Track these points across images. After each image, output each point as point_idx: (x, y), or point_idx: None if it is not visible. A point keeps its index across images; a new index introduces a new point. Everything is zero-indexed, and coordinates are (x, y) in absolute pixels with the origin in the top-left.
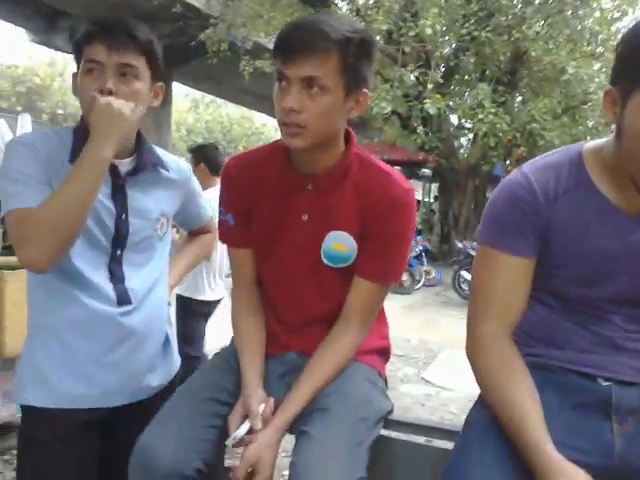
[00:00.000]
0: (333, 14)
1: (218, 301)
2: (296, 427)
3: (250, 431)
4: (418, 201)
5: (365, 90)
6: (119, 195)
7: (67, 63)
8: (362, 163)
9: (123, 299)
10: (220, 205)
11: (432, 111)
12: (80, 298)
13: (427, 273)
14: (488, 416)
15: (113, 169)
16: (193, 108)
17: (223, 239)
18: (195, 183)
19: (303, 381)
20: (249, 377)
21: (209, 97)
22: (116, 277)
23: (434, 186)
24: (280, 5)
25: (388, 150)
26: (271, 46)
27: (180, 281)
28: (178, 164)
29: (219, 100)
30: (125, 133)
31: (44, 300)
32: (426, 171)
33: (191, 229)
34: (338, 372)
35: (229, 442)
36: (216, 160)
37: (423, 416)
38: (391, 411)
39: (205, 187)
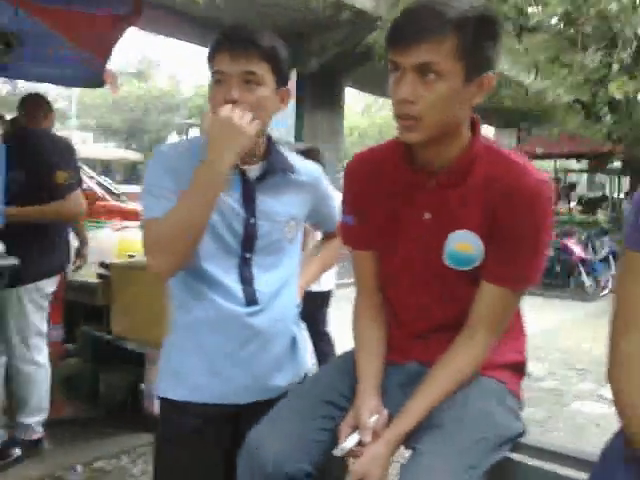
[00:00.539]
0: None
1: (328, 292)
2: (409, 442)
3: (360, 443)
4: (605, 197)
5: (490, 73)
6: (248, 199)
7: None
8: (489, 154)
9: (251, 300)
10: (342, 205)
11: (618, 95)
12: (211, 298)
13: (615, 278)
14: (624, 447)
15: (243, 174)
16: (366, 111)
17: (344, 240)
18: (326, 185)
19: (420, 393)
20: (363, 385)
21: (382, 99)
22: (245, 279)
23: (625, 180)
24: None
25: (568, 142)
26: None
27: (311, 284)
28: (307, 167)
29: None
30: (244, 147)
31: (181, 299)
32: (615, 164)
33: (325, 231)
34: (459, 386)
35: (336, 452)
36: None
37: (595, 438)
38: (523, 433)
39: None
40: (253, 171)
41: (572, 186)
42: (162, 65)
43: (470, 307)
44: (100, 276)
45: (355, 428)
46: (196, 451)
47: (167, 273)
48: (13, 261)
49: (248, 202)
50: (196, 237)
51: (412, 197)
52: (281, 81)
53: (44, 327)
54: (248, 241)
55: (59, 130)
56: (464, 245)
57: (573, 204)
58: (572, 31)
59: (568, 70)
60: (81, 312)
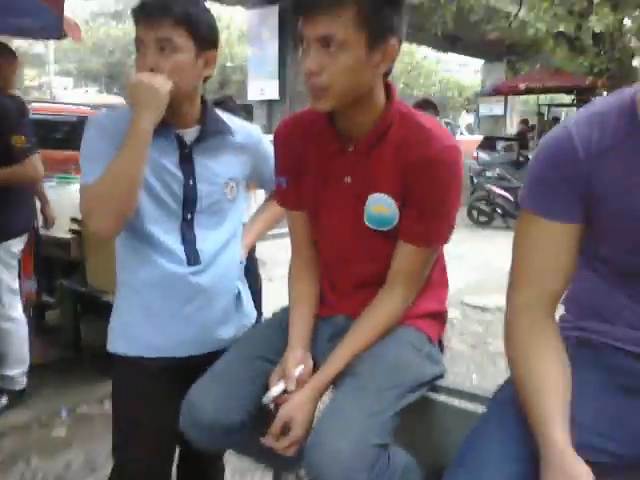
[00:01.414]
0: None
1: None
2: (332, 388)
3: (286, 391)
4: None
5: (393, 41)
6: (186, 162)
7: (232, 16)
8: (403, 119)
9: (194, 260)
10: (275, 167)
11: (598, 29)
12: (154, 258)
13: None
14: (512, 391)
15: (179, 139)
16: None
17: (278, 201)
18: (267, 146)
19: (343, 344)
20: (291, 338)
21: None
22: (187, 240)
23: None
24: None
25: (550, 77)
26: None
27: (255, 242)
28: (245, 128)
29: None
30: (161, 104)
31: (125, 259)
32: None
33: (270, 191)
34: (380, 336)
35: (264, 401)
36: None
37: None
38: (440, 376)
39: None
40: (189, 134)
41: (556, 120)
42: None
43: (390, 265)
44: (73, 231)
45: (283, 378)
46: (148, 403)
47: (108, 232)
48: None
49: (186, 165)
50: (130, 193)
51: (335, 161)
52: (203, 45)
53: (15, 284)
54: (188, 203)
55: (37, 78)
56: (380, 207)
57: None
58: None
59: (550, 1)
60: (58, 266)
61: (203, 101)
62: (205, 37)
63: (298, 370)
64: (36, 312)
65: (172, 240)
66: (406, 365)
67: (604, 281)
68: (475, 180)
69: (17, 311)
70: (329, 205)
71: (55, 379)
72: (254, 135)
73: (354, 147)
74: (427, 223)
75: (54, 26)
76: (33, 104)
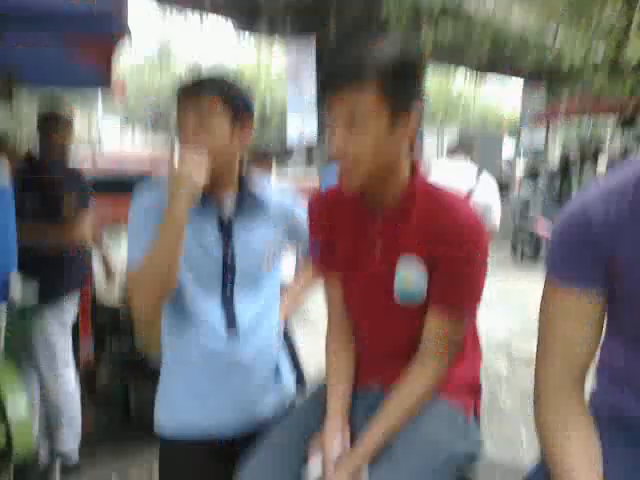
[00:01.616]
0: (376, 37)
1: None
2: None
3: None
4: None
5: (414, 111)
6: (225, 236)
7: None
8: (427, 192)
9: (233, 333)
10: (309, 232)
11: (635, 60)
12: (193, 335)
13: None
14: (545, 474)
15: (218, 212)
16: None
17: (313, 265)
18: (301, 212)
19: (376, 421)
20: (329, 408)
21: None
22: (226, 314)
23: None
24: None
25: (591, 102)
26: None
27: (295, 310)
28: (280, 195)
29: None
30: (196, 194)
31: (167, 334)
32: None
33: (304, 254)
34: (413, 412)
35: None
36: None
37: None
38: (476, 452)
39: None
40: (227, 204)
41: (597, 152)
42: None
43: (421, 335)
44: (124, 295)
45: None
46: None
47: (148, 315)
48: (32, 283)
49: (225, 239)
50: (167, 278)
51: (365, 229)
52: (239, 120)
53: (70, 356)
54: (227, 277)
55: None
56: (410, 280)
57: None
58: None
59: (586, 29)
60: (110, 330)
61: (243, 168)
62: (240, 112)
63: (335, 447)
64: (87, 377)
65: (211, 316)
66: (441, 443)
67: (632, 349)
68: (518, 215)
69: (71, 385)
70: (361, 271)
71: (105, 445)
72: (287, 203)
73: (382, 218)
74: (453, 295)
75: (101, 78)
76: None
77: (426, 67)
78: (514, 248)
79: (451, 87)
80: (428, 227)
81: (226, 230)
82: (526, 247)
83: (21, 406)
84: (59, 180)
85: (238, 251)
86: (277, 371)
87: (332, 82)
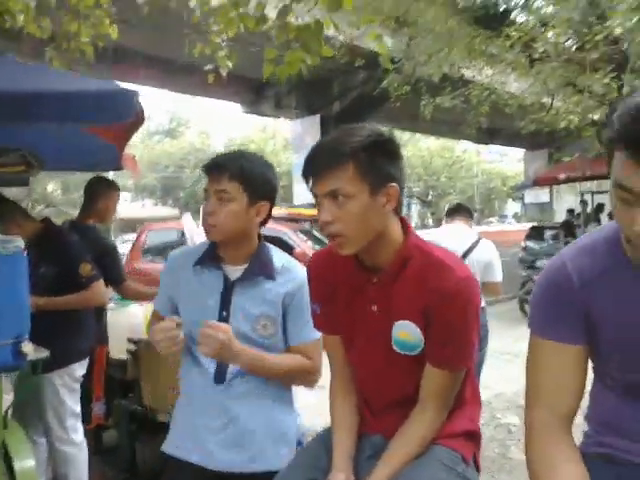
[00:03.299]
0: (351, 127)
1: None
2: None
3: None
4: None
5: (393, 184)
6: (225, 296)
7: (276, 128)
8: (421, 253)
9: (220, 381)
10: (310, 294)
11: None
12: (192, 372)
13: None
14: None
15: (225, 276)
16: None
17: (315, 325)
18: (305, 296)
19: (378, 467)
20: (334, 459)
21: (407, 133)
22: (220, 363)
23: None
24: (458, 36)
25: (590, 164)
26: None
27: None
28: (291, 272)
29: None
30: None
31: (182, 375)
32: None
33: (290, 345)
34: (413, 456)
35: None
36: None
37: None
38: None
39: None
40: (235, 272)
41: (600, 207)
42: (192, 122)
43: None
44: (129, 352)
45: None
46: None
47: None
48: (44, 353)
49: (224, 298)
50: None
51: (361, 291)
52: (256, 196)
53: (78, 408)
54: None
55: None
56: (406, 334)
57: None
58: (581, 55)
59: (580, 94)
60: (115, 387)
61: (259, 238)
62: (257, 190)
63: None
64: (93, 432)
65: (208, 361)
66: None
67: (616, 397)
68: (525, 272)
69: (79, 435)
70: (359, 331)
71: None
72: (296, 281)
73: (378, 278)
74: (449, 349)
75: (113, 160)
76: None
77: (399, 146)
78: (522, 305)
79: (454, 149)
80: (421, 288)
81: (228, 291)
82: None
83: (29, 464)
84: (77, 247)
85: (233, 311)
86: (271, 422)
87: (314, 166)
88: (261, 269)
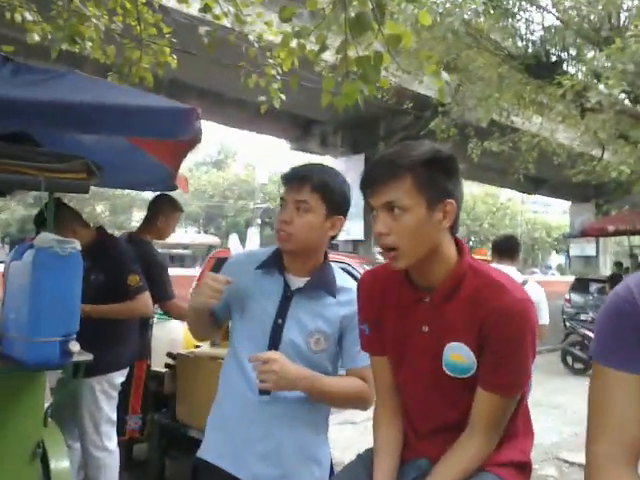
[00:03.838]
0: (411, 142)
1: None
2: None
3: None
4: None
5: (450, 200)
6: (283, 304)
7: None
8: (475, 273)
9: (268, 391)
10: (358, 315)
11: None
12: (236, 379)
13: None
14: None
15: (287, 283)
16: None
17: (363, 346)
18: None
19: None
20: None
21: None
22: None
23: None
24: (508, 83)
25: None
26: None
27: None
28: (351, 292)
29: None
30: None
31: (222, 373)
32: None
33: (348, 367)
34: None
35: None
36: None
37: None
38: None
39: None
40: (297, 283)
41: None
42: (239, 154)
43: (470, 410)
44: (167, 366)
45: None
46: None
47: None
48: (88, 356)
49: (282, 307)
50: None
51: (413, 311)
52: (333, 210)
53: (114, 416)
54: (274, 339)
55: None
56: (458, 356)
57: None
58: (635, 107)
59: (632, 146)
60: (150, 400)
61: (325, 254)
62: (336, 204)
63: None
64: (125, 444)
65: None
66: None
67: None
68: (568, 324)
69: (112, 442)
70: (409, 352)
71: None
72: (353, 309)
73: (430, 298)
74: (503, 373)
75: (167, 180)
76: None
77: (457, 163)
78: (564, 358)
79: (498, 196)
80: (477, 308)
81: (287, 299)
82: (577, 356)
83: (64, 465)
84: (127, 258)
85: (289, 321)
86: (306, 443)
87: (372, 177)
88: (323, 284)
